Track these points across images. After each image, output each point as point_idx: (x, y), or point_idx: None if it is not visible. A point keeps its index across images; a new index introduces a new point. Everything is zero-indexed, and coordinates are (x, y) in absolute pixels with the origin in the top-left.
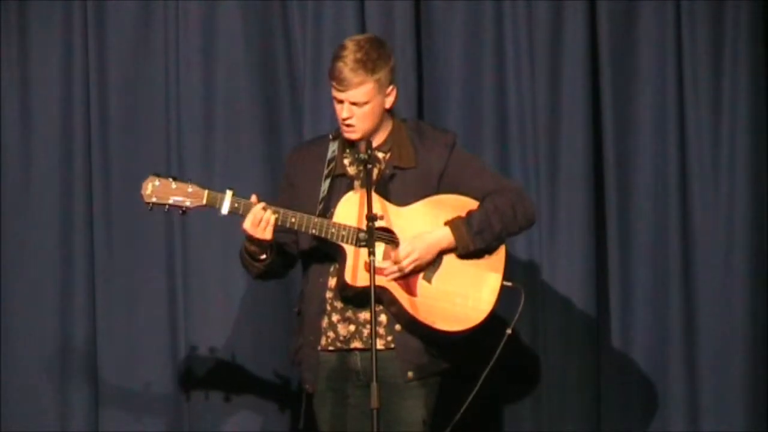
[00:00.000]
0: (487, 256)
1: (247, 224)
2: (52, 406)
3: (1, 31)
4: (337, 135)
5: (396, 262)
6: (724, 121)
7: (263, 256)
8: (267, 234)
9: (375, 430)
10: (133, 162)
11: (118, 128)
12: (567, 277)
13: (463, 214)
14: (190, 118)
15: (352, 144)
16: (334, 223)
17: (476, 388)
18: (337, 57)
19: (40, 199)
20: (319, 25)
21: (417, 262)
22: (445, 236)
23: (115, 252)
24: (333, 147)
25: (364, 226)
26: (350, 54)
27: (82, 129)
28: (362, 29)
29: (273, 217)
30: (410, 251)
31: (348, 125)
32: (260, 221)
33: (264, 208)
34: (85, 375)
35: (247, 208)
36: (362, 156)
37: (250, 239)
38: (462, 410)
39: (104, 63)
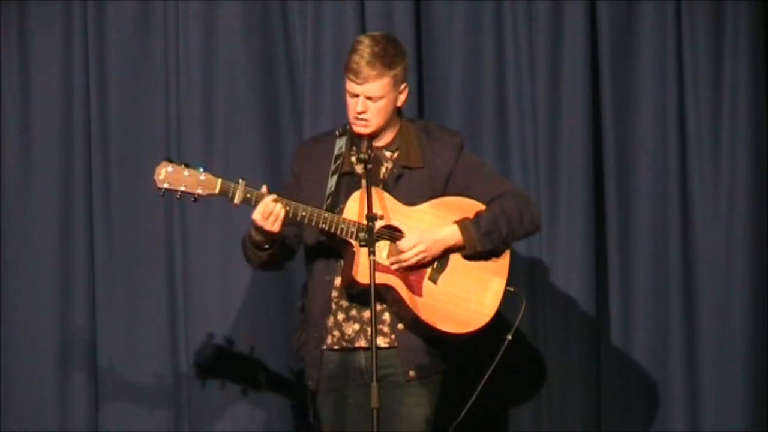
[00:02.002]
0: (492, 260)
1: (257, 215)
2: (52, 400)
3: (1, 31)
4: (344, 131)
5: (401, 252)
6: (724, 121)
7: (267, 246)
8: (276, 227)
9: (375, 429)
10: (132, 161)
11: (118, 128)
12: (567, 277)
13: (471, 216)
14: (190, 118)
15: (360, 141)
16: (344, 219)
17: (475, 394)
18: (354, 51)
19: (40, 197)
20: (319, 25)
21: (423, 254)
22: (453, 234)
23: (115, 246)
24: (340, 144)
25: (371, 223)
26: (368, 48)
27: (82, 129)
28: (362, 29)
29: (283, 211)
30: (417, 242)
31: (361, 119)
32: (270, 214)
33: (275, 201)
34: (85, 369)
35: (259, 199)
36: (362, 156)
37: (258, 230)
38: (462, 414)
39: (104, 63)
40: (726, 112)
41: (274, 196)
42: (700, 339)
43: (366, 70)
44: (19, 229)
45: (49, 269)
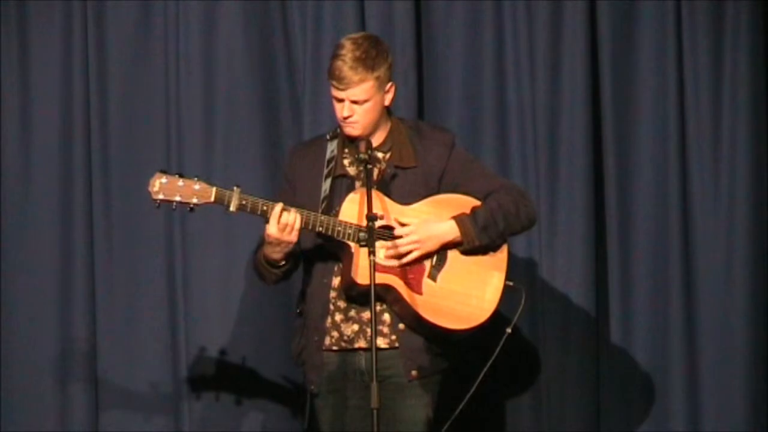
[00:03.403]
0: (490, 255)
1: (273, 230)
2: (52, 408)
3: (1, 31)
4: (335, 135)
5: (395, 245)
6: (724, 121)
7: (283, 262)
8: (294, 236)
9: (375, 430)
10: (133, 162)
11: (118, 128)
12: (567, 277)
13: (468, 211)
14: (190, 118)
15: (352, 143)
16: (341, 221)
17: (474, 387)
18: (335, 56)
19: (40, 198)
20: (319, 25)
21: (416, 244)
22: (451, 229)
23: (115, 252)
24: (331, 147)
25: (371, 223)
26: (349, 53)
27: (82, 129)
28: (362, 29)
29: (299, 219)
30: (410, 231)
31: (349, 122)
32: (286, 225)
33: (285, 210)
34: (85, 377)
35: (255, 206)
36: (362, 156)
37: (274, 245)
38: (459, 408)
39: (104, 63)
40: (726, 112)
41: (281, 205)
42: (700, 339)
43: (349, 76)
44: (19, 230)
45: (49, 271)
